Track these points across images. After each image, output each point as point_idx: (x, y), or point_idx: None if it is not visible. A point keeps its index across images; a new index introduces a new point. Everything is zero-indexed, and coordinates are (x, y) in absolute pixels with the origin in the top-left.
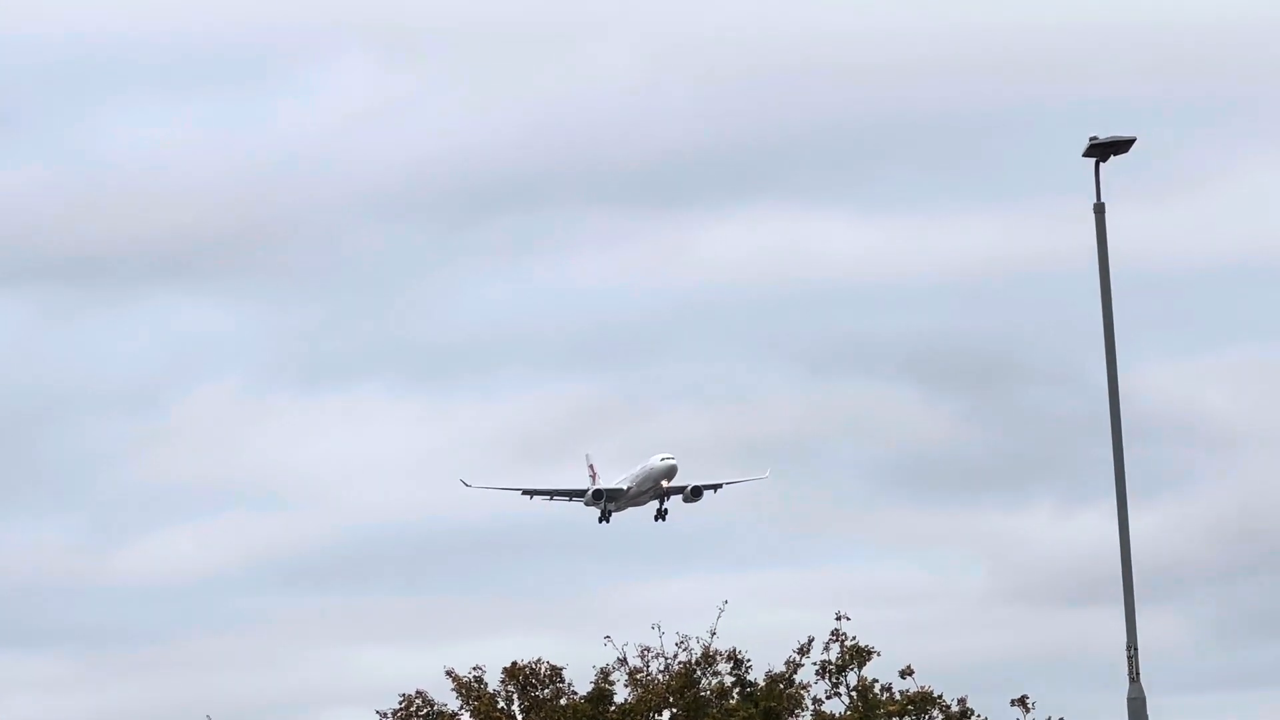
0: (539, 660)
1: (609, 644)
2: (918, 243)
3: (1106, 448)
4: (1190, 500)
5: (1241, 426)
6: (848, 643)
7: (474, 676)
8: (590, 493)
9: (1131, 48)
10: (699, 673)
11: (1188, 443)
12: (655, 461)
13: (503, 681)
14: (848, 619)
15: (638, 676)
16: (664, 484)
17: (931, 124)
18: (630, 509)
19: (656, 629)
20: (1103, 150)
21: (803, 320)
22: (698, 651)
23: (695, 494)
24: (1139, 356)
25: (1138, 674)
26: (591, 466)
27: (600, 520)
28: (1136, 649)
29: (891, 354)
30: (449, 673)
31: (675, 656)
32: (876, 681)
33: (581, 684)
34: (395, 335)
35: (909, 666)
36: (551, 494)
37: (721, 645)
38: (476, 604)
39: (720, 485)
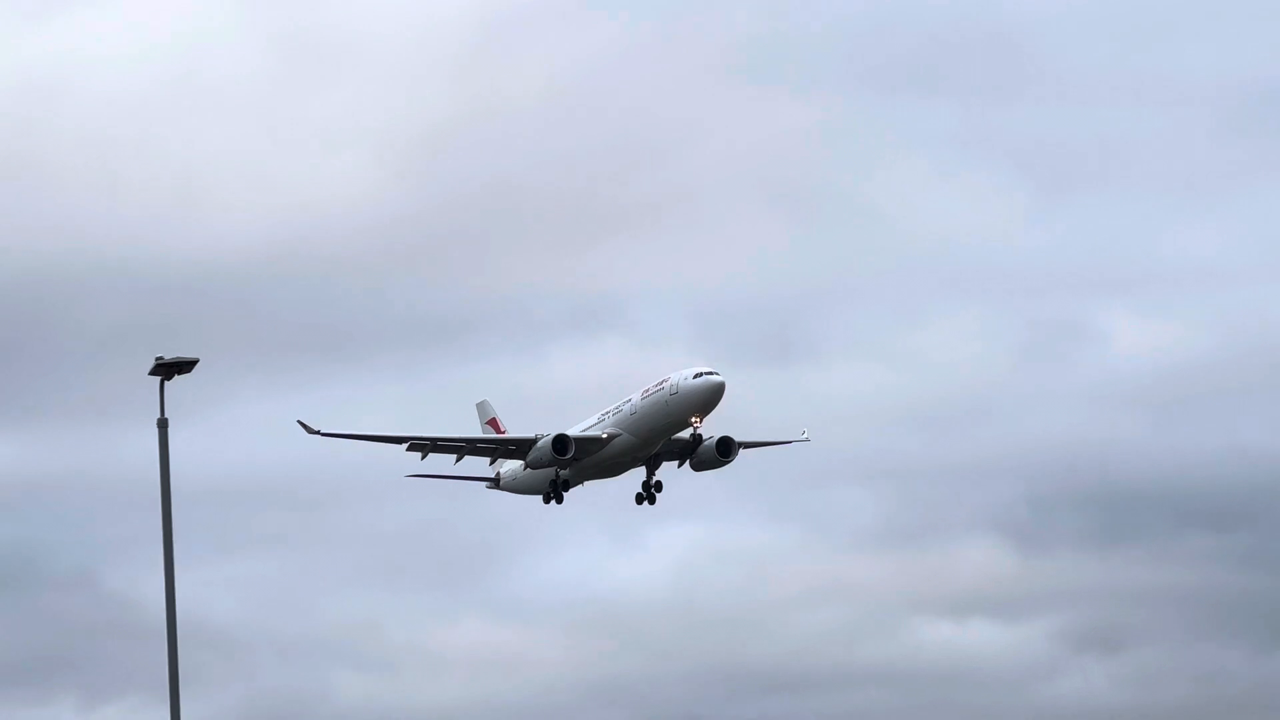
0: None
1: None
2: None
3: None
4: None
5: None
6: None
7: None
8: (552, 439)
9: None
10: None
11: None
12: (684, 378)
13: None
14: None
15: None
16: (695, 422)
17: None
18: (601, 480)
19: None
20: (167, 369)
21: None
22: None
23: (725, 451)
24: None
25: None
26: (494, 421)
27: (548, 500)
28: None
29: None
30: None
31: None
32: None
33: None
34: None
35: None
36: (462, 450)
37: None
38: None
39: (745, 445)
